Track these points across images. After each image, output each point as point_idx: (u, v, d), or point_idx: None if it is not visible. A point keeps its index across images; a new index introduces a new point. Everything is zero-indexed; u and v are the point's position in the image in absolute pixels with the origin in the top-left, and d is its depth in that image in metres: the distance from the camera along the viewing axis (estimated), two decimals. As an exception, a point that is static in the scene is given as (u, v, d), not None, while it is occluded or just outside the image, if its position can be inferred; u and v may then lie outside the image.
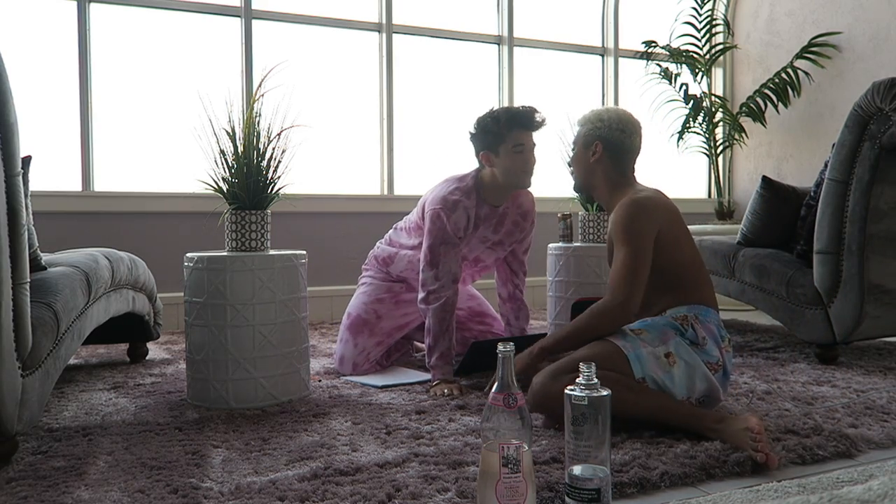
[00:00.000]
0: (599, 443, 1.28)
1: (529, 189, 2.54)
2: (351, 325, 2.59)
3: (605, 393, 1.30)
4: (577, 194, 2.27)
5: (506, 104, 4.51)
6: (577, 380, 1.32)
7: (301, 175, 2.61)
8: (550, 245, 3.02)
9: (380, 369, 2.59)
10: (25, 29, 3.53)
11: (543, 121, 2.41)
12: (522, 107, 2.40)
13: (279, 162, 2.20)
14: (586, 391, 1.29)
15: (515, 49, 4.59)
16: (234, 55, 3.90)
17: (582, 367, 1.32)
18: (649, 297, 1.93)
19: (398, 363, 2.71)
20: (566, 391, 1.32)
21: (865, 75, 4.25)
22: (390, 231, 2.73)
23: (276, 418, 1.95)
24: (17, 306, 1.55)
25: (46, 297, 1.78)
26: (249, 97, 2.80)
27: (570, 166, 2.17)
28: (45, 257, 2.20)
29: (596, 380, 1.32)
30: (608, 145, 2.04)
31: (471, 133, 2.46)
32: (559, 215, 3.08)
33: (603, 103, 4.91)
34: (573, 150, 2.14)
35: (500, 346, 1.26)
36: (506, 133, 2.36)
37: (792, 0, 4.74)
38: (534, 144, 2.41)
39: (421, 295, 2.38)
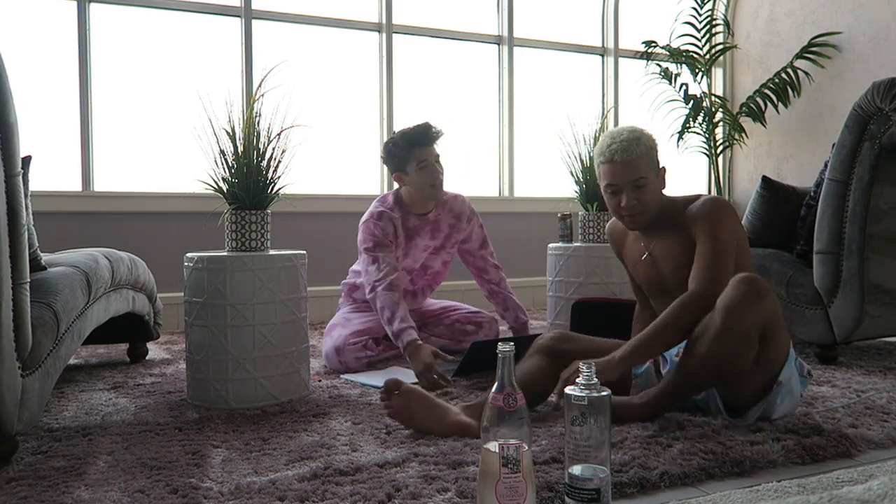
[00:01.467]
0: (599, 443, 1.28)
1: (461, 193, 2.83)
2: (326, 329, 2.76)
3: (605, 393, 1.30)
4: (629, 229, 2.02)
5: (506, 104, 4.52)
6: (577, 380, 1.32)
7: (301, 175, 2.62)
8: (550, 245, 3.02)
9: (379, 368, 2.59)
10: (25, 29, 3.53)
11: (438, 132, 2.64)
12: (417, 126, 2.65)
13: (279, 162, 2.20)
14: (586, 391, 1.29)
15: (515, 49, 4.59)
16: (234, 55, 3.90)
17: (582, 366, 1.32)
18: None
19: (396, 364, 2.72)
20: (566, 391, 1.31)
21: (865, 75, 4.25)
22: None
23: (276, 418, 1.95)
24: (17, 306, 1.55)
25: (46, 297, 1.78)
26: (249, 97, 2.80)
27: (635, 202, 1.86)
28: (45, 257, 2.20)
29: (596, 380, 1.31)
30: (665, 167, 1.95)
31: (382, 158, 2.74)
32: (559, 215, 3.09)
33: (603, 103, 4.91)
34: (640, 182, 1.85)
35: (500, 346, 1.26)
36: (407, 154, 2.61)
37: (792, 0, 4.74)
38: (437, 156, 2.64)
39: (368, 290, 2.54)
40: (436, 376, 2.25)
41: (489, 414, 1.24)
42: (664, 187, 1.94)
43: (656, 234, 1.96)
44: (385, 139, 4.18)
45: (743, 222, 3.11)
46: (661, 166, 1.92)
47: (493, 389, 1.25)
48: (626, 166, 1.84)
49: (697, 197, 1.92)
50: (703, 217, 1.83)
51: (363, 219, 2.68)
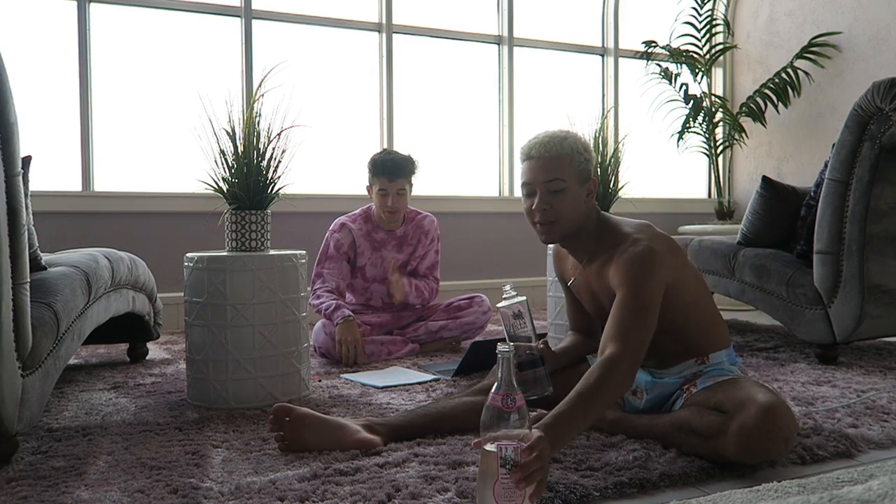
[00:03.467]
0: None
1: (433, 217, 3.08)
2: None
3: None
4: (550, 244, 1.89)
5: (506, 104, 4.52)
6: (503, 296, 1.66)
7: (301, 175, 2.62)
8: (550, 245, 3.02)
9: (379, 368, 2.59)
10: (25, 29, 3.53)
11: (407, 169, 2.85)
12: (394, 157, 2.88)
13: (279, 162, 2.20)
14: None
15: (515, 49, 4.58)
16: (234, 55, 3.90)
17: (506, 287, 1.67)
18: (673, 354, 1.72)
19: (397, 363, 2.72)
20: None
21: (865, 75, 4.25)
22: None
23: (276, 418, 1.95)
24: (17, 306, 1.55)
25: (46, 297, 1.78)
26: (249, 97, 2.80)
27: (546, 207, 1.67)
28: (45, 257, 2.20)
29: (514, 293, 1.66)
30: (596, 181, 1.73)
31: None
32: (559, 215, 3.08)
33: (603, 103, 4.91)
34: (555, 185, 1.66)
35: (500, 347, 1.26)
36: (373, 178, 2.89)
37: (792, 0, 4.74)
38: (401, 189, 2.86)
39: (312, 297, 2.82)
40: (355, 354, 2.61)
41: (488, 414, 1.24)
42: (590, 201, 1.72)
43: (586, 260, 1.77)
44: (385, 139, 4.22)
45: (743, 222, 3.11)
46: (591, 178, 1.71)
47: (493, 389, 1.25)
48: (543, 164, 1.67)
49: (636, 240, 1.65)
50: (627, 271, 1.60)
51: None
